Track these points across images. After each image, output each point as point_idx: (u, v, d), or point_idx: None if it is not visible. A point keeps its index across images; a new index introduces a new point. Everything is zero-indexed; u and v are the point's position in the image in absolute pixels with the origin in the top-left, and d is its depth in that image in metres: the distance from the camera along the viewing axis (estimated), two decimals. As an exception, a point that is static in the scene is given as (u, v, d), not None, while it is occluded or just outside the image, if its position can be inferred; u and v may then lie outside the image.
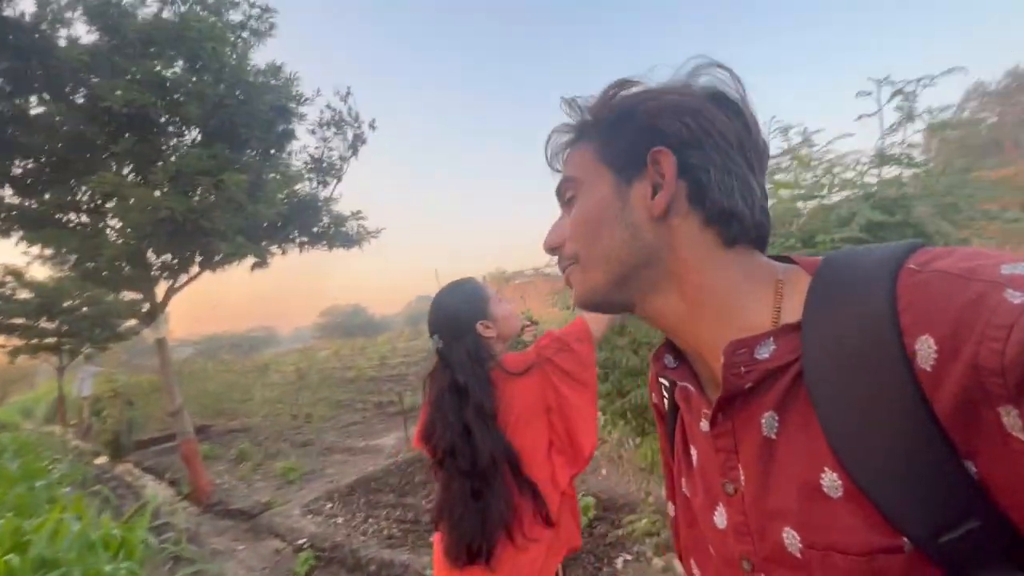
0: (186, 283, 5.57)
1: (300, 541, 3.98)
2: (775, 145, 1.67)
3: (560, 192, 0.59)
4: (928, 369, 0.35)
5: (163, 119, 4.62)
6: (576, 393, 1.36)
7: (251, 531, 4.53)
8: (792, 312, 0.46)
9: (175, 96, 4.43)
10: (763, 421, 0.45)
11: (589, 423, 1.36)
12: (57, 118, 4.37)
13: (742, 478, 0.48)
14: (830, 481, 0.40)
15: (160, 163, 4.64)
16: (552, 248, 0.58)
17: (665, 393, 0.66)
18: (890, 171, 1.34)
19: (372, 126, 5.53)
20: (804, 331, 0.43)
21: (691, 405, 0.57)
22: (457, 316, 1.42)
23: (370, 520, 4.26)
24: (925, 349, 0.35)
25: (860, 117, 1.31)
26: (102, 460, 8.78)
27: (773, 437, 0.45)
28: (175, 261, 5.34)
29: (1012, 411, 0.32)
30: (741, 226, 0.50)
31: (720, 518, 0.52)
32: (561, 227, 0.58)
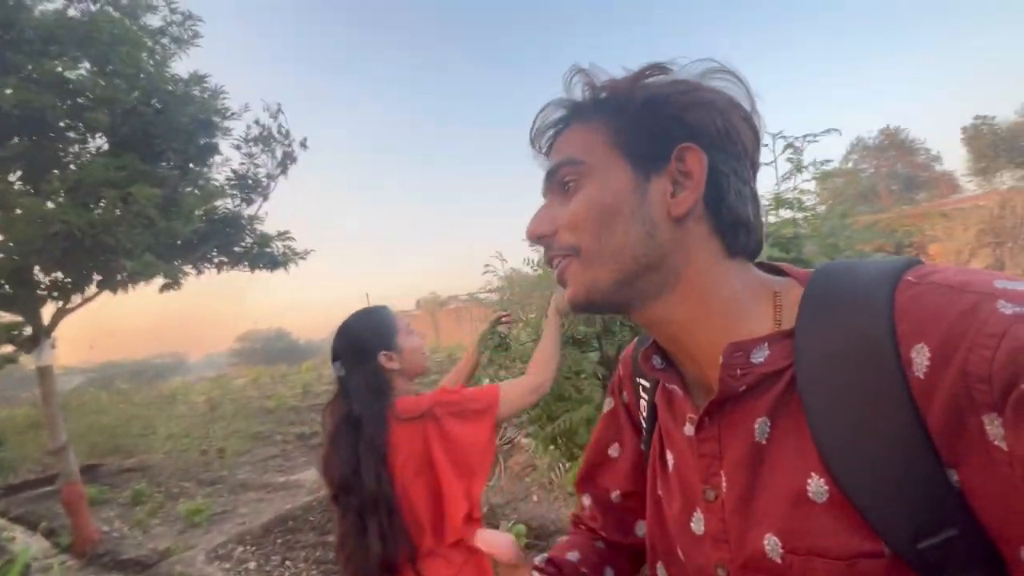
0: (80, 304, 4.99)
1: (204, 592, 3.59)
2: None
3: (556, 175, 0.53)
4: (921, 377, 0.36)
5: (63, 124, 4.21)
6: (453, 468, 1.30)
7: (145, 584, 4.03)
8: (787, 322, 0.46)
9: (79, 100, 4.06)
10: (756, 426, 0.45)
11: (455, 502, 1.28)
12: (-72, 115, 3.84)
13: (724, 484, 0.48)
14: (816, 486, 0.41)
15: (57, 171, 4.20)
16: (540, 236, 0.53)
17: (644, 395, 0.64)
18: (786, 213, 1.53)
19: (304, 145, 5.36)
20: (797, 338, 0.44)
21: (673, 409, 0.56)
22: (360, 343, 1.37)
23: (287, 563, 3.95)
24: (920, 357, 0.36)
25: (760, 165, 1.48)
26: (-43, 510, 7.47)
27: (764, 443, 0.45)
28: (68, 280, 4.78)
29: (996, 419, 0.33)
30: (747, 238, 0.50)
31: (698, 524, 0.51)
32: (551, 214, 0.53)
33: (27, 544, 5.50)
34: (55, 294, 4.79)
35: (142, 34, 4.44)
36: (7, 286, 4.53)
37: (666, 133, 0.48)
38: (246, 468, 7.26)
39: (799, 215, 1.48)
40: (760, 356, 0.45)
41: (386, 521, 1.25)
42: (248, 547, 4.38)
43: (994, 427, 0.33)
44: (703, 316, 0.49)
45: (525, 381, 1.43)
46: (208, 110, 4.58)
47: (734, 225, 0.49)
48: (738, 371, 0.45)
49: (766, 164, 1.47)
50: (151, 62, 4.37)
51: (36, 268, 4.49)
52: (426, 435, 1.29)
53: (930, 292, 0.38)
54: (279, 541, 4.41)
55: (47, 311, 4.93)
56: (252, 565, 4.00)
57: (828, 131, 1.38)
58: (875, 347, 0.39)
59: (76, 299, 4.96)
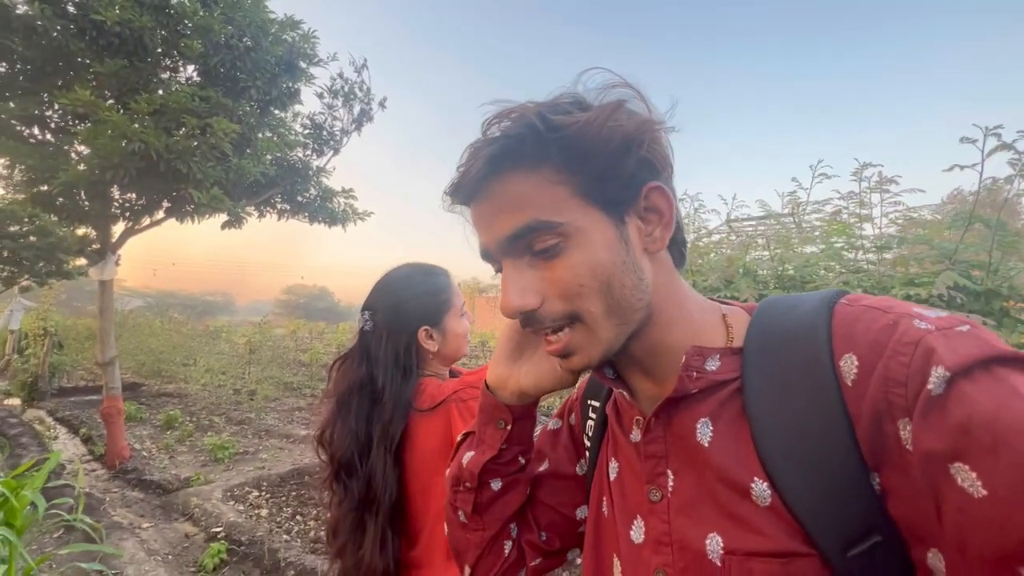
0: (147, 227, 5.14)
1: (215, 529, 3.59)
2: (831, 187, 1.53)
3: (522, 239, 0.47)
4: (850, 384, 0.40)
5: (159, 49, 4.29)
6: None
7: (162, 508, 4.09)
8: (737, 341, 0.50)
9: (178, 27, 4.11)
10: (697, 427, 0.47)
11: None
12: (40, 23, 3.98)
13: (670, 484, 0.49)
14: (760, 490, 0.42)
15: (144, 94, 4.29)
16: (527, 310, 0.48)
17: (593, 415, 0.66)
18: (971, 235, 1.21)
19: (383, 105, 5.31)
20: (746, 355, 0.47)
21: (622, 417, 0.58)
22: (402, 305, 1.15)
23: (298, 517, 3.90)
24: (848, 365, 0.40)
25: (952, 168, 1.18)
26: (13, 402, 8.02)
27: (706, 445, 0.46)
28: (140, 201, 4.92)
29: (908, 424, 0.36)
30: (685, 250, 0.56)
31: (637, 532, 0.52)
32: (529, 283, 0.48)
33: (64, 446, 5.78)
34: (127, 213, 4.95)
35: (247, -30, 4.45)
36: (85, 199, 4.71)
37: (636, 174, 0.48)
38: (273, 414, 7.41)
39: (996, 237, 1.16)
40: (713, 365, 0.48)
41: (385, 527, 1.06)
42: (263, 493, 4.38)
43: (906, 432, 0.36)
44: (675, 334, 0.50)
45: None
46: (296, 54, 4.56)
47: (680, 243, 0.54)
48: (694, 374, 0.48)
49: (968, 167, 1.16)
50: (250, -2, 4.38)
51: (113, 186, 4.64)
52: (448, 423, 1.07)
53: (860, 312, 0.43)
54: (293, 493, 4.39)
55: (117, 229, 5.12)
56: (264, 512, 3.98)
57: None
58: (815, 362, 0.42)
59: (145, 221, 5.12)
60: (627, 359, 0.53)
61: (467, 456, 0.66)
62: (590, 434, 0.65)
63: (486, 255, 0.52)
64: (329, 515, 1.15)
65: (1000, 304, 1.06)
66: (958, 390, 0.34)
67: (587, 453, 0.66)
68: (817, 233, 1.53)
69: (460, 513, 0.67)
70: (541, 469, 0.70)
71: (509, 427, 0.62)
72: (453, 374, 1.28)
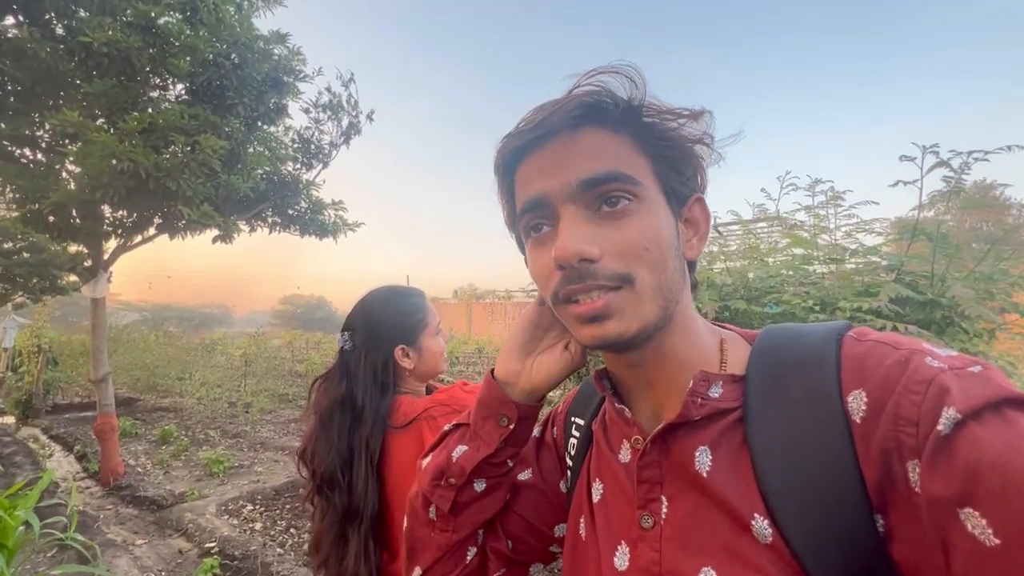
0: (139, 243, 5.17)
1: (209, 544, 3.60)
2: (794, 200, 1.59)
3: (598, 186, 0.45)
4: (859, 421, 0.39)
5: (147, 68, 4.33)
6: None
7: (156, 525, 4.10)
8: (734, 368, 0.49)
9: (164, 46, 4.16)
10: (696, 455, 0.46)
11: None
12: (29, 45, 4.02)
13: (664, 511, 0.47)
14: (761, 527, 0.41)
15: (134, 113, 4.33)
16: (584, 258, 0.44)
17: (576, 432, 0.64)
18: (918, 246, 1.26)
19: (370, 117, 5.35)
20: (749, 384, 0.46)
21: (610, 435, 0.56)
22: (379, 326, 1.21)
23: (292, 531, 3.92)
24: (857, 402, 0.39)
25: (896, 184, 1.23)
26: (7, 420, 8.00)
27: (704, 474, 0.45)
28: (131, 218, 4.95)
29: (917, 467, 0.35)
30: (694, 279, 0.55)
31: (622, 559, 0.49)
32: (592, 234, 0.45)
33: (59, 464, 5.77)
34: (118, 230, 4.97)
35: (231, -13, 4.50)
36: (76, 217, 4.73)
37: (692, 182, 0.50)
38: (268, 427, 7.40)
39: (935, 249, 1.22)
40: (716, 392, 0.47)
41: (368, 538, 1.11)
42: (257, 506, 4.39)
43: (915, 474, 0.35)
44: (689, 351, 0.50)
45: None
46: (283, 70, 4.61)
47: (694, 269, 0.54)
48: (699, 400, 0.47)
49: (907, 183, 1.21)
50: (236, 16, 4.43)
51: (104, 204, 4.67)
52: (420, 439, 1.11)
53: (869, 348, 0.42)
54: (287, 507, 4.40)
55: (109, 246, 5.14)
56: (258, 526, 4.00)
57: (1010, 147, 1.11)
58: (822, 396, 0.41)
59: (136, 238, 5.15)
60: (635, 370, 0.51)
61: (459, 450, 0.61)
62: (572, 452, 0.63)
63: (538, 202, 0.48)
64: (312, 528, 1.19)
65: (940, 314, 1.11)
66: (967, 432, 0.33)
67: (569, 472, 0.64)
68: (782, 244, 1.58)
69: (432, 509, 0.63)
70: (522, 477, 0.68)
71: (512, 425, 0.59)
72: (430, 390, 1.34)
